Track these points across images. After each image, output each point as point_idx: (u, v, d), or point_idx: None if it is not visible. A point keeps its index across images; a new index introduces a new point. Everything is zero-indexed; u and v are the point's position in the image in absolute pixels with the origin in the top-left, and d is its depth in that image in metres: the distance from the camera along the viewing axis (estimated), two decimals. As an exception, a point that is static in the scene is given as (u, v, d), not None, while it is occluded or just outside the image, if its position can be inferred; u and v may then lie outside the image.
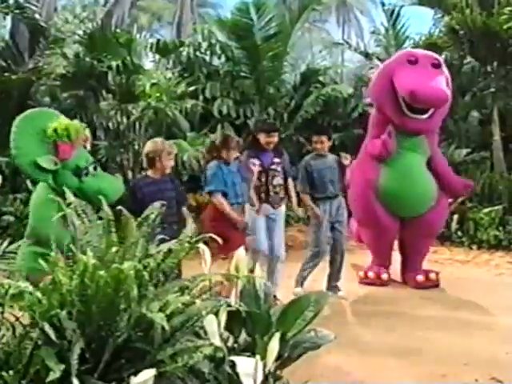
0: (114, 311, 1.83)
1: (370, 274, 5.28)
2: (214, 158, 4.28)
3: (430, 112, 4.75)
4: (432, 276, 5.25)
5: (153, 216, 2.15)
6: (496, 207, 7.37)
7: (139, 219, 2.20)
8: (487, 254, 6.72)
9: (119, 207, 2.20)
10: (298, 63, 10.87)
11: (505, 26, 7.98)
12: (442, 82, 4.64)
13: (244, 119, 8.60)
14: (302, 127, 9.39)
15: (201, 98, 8.37)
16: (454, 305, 4.70)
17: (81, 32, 8.45)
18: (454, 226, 7.26)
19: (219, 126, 8.35)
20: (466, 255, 6.68)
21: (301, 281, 4.89)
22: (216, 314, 2.12)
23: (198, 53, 8.91)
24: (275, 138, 4.64)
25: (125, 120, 7.87)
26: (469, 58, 9.49)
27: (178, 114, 7.73)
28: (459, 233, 7.24)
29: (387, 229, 5.11)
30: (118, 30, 9.05)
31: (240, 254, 2.66)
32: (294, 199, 4.88)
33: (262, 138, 4.61)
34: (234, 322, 2.42)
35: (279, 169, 4.66)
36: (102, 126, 8.03)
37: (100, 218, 2.21)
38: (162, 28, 21.98)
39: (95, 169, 3.69)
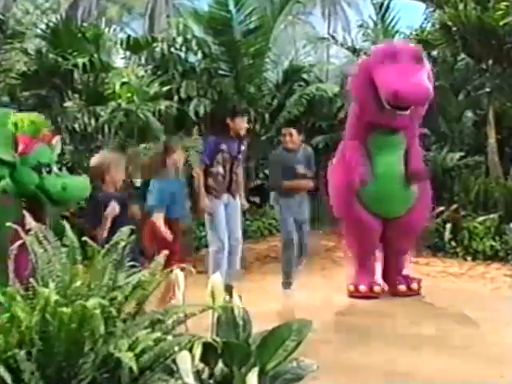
0: (78, 351, 1.81)
1: (362, 288, 5.33)
2: (158, 169, 4.49)
3: (410, 108, 4.87)
4: (414, 286, 5.44)
5: (122, 243, 2.14)
6: (491, 215, 7.47)
7: (107, 246, 2.18)
8: (483, 265, 6.81)
9: (84, 238, 2.18)
10: (280, 60, 10.89)
11: (501, 22, 8.12)
12: (423, 78, 4.73)
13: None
14: (284, 129, 9.43)
15: (175, 98, 8.35)
16: (449, 323, 4.75)
17: (43, 25, 8.37)
18: (447, 235, 7.34)
19: (196, 129, 8.35)
20: (460, 267, 6.75)
21: (286, 281, 5.18)
22: (190, 348, 2.12)
23: (172, 49, 8.85)
24: (245, 124, 4.99)
25: (93, 122, 7.82)
26: (462, 55, 9.65)
27: (151, 115, 7.70)
28: (453, 243, 7.31)
29: (371, 231, 5.28)
30: (84, 24, 8.99)
31: (214, 280, 2.67)
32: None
33: (236, 122, 4.85)
34: (210, 352, 2.42)
35: (241, 157, 5.02)
36: (67, 128, 7.95)
37: (64, 245, 2.19)
38: (134, 21, 21.78)
39: (60, 169, 3.65)
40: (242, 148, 4.99)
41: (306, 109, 9.21)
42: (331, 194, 5.42)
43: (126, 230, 2.24)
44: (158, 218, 4.32)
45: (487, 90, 9.06)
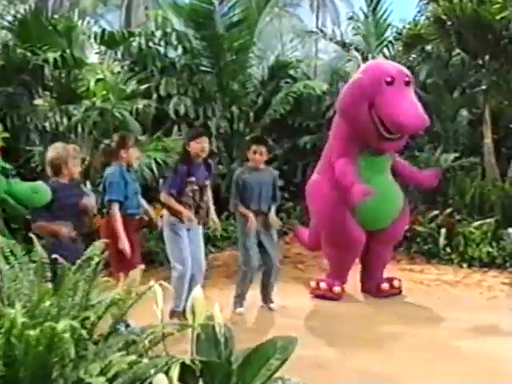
0: (45, 376, 1.79)
1: (322, 285, 5.72)
2: (111, 160, 4.60)
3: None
4: (395, 283, 5.92)
5: (96, 259, 2.13)
6: (488, 220, 7.54)
7: (79, 262, 2.17)
8: (479, 273, 6.86)
9: (54, 255, 2.16)
10: (265, 55, 10.88)
11: (498, 16, 8.19)
12: (419, 106, 5.12)
13: (204, 120, 8.62)
14: (270, 128, 9.48)
15: (154, 96, 8.35)
16: (442, 336, 4.79)
17: (10, 17, 8.30)
18: (441, 241, 7.40)
19: (175, 128, 8.33)
20: (455, 275, 6.81)
21: (238, 300, 5.26)
22: (168, 370, 2.12)
23: (150, 43, 8.84)
24: (206, 145, 4.90)
25: (65, 121, 7.74)
26: (458, 51, 9.73)
27: (128, 115, 7.66)
28: (448, 249, 7.37)
29: (358, 244, 5.64)
30: (55, 15, 8.91)
31: (197, 295, 2.66)
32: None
33: (193, 146, 4.83)
34: (189, 372, 2.42)
35: (208, 183, 5.02)
36: (36, 128, 7.88)
37: (32, 261, 2.17)
38: (109, 13, 21.59)
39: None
40: (206, 173, 5.00)
41: (292, 107, 9.24)
42: (318, 208, 5.69)
43: (99, 244, 2.22)
44: (116, 217, 4.40)
45: (483, 87, 9.14)
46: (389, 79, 5.11)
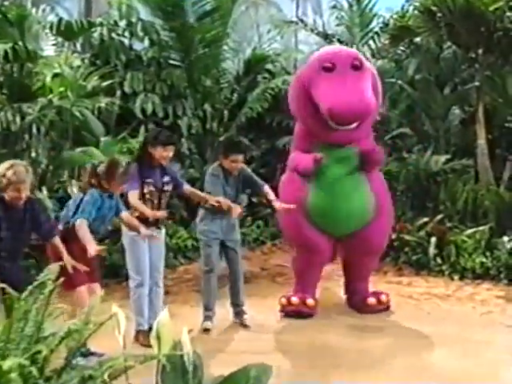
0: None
1: (294, 300, 5.65)
2: (92, 186, 4.60)
3: (355, 123, 5.12)
4: (383, 298, 5.90)
5: (50, 285, 2.10)
6: (481, 227, 7.62)
7: (30, 288, 2.14)
8: (472, 285, 6.93)
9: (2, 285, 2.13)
10: (241, 47, 10.92)
11: (491, 7, 8.31)
12: (363, 91, 4.96)
13: (174, 119, 8.61)
14: (246, 127, 9.52)
15: (118, 93, 8.30)
16: (430, 355, 4.83)
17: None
18: (431, 251, 7.45)
19: (142, 128, 8.28)
20: (446, 288, 6.86)
21: (206, 313, 5.32)
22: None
23: (113, 34, 8.82)
24: (171, 153, 5.00)
25: (18, 121, 7.62)
26: (449, 44, 9.84)
27: (89, 114, 7.60)
28: (438, 259, 7.42)
29: (319, 250, 5.62)
30: (5, 3, 8.81)
31: (163, 318, 2.65)
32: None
33: (158, 151, 4.89)
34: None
35: (170, 188, 5.08)
36: (-16, 129, 7.77)
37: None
38: (67, -1, 21.34)
39: None
40: (166, 179, 5.02)
41: (270, 105, 9.25)
42: (280, 215, 5.78)
43: (54, 267, 2.20)
44: (85, 232, 4.41)
45: (476, 83, 9.25)
46: (327, 65, 5.05)
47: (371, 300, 5.81)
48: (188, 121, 8.66)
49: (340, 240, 5.73)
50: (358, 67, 5.07)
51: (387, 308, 5.92)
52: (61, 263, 2.48)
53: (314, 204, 5.45)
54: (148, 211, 4.86)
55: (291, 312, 5.64)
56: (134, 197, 4.81)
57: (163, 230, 5.21)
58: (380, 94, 5.42)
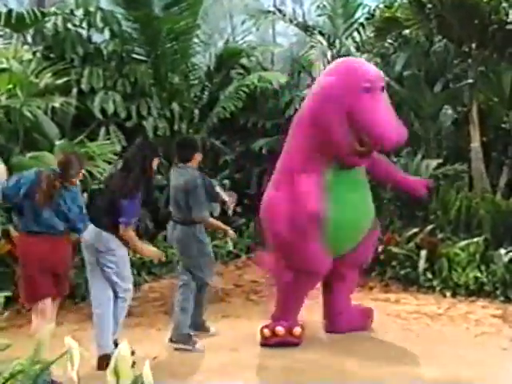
0: None
1: (279, 329, 5.57)
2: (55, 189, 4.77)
3: None
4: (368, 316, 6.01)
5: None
6: (476, 239, 7.65)
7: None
8: (465, 303, 6.95)
9: None
10: (212, 40, 10.93)
11: (486, -2, 8.44)
12: (395, 116, 5.33)
13: (138, 120, 8.57)
14: (218, 129, 9.55)
15: (75, 91, 8.21)
16: None
17: None
18: (421, 264, 7.46)
19: (102, 131, 8.21)
20: (437, 305, 6.88)
21: (185, 335, 5.41)
22: None
23: (69, 25, 8.74)
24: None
25: (-40, 122, 7.52)
26: (440, 37, 9.92)
27: (42, 114, 7.49)
28: (428, 274, 7.43)
29: (322, 271, 5.61)
30: None
31: (121, 351, 2.60)
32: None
33: (155, 163, 5.20)
34: None
35: None
36: None
37: None
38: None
39: None
40: None
41: (245, 104, 9.28)
42: (275, 229, 5.56)
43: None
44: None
45: (470, 80, 9.33)
46: (367, 85, 5.20)
47: (355, 318, 5.98)
48: (154, 122, 8.61)
49: (335, 258, 5.68)
50: (383, 89, 5.34)
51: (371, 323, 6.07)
52: None
53: (334, 223, 5.38)
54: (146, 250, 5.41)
55: (276, 343, 5.55)
56: (129, 232, 5.01)
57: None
58: None
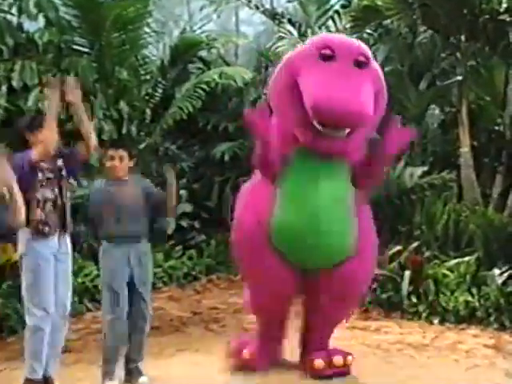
0: None
1: (245, 353, 5.60)
2: None
3: (346, 131, 4.96)
4: (337, 360, 5.55)
5: None
6: (466, 258, 7.71)
7: None
8: (454, 331, 6.96)
9: None
10: (167, 29, 10.89)
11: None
12: (361, 91, 4.88)
13: (79, 122, 8.44)
14: (173, 132, 9.51)
15: (4, 88, 8.12)
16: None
17: None
18: (405, 287, 7.48)
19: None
20: (423, 334, 6.88)
21: (108, 370, 5.30)
22: None
23: (-3, 10, 8.62)
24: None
25: None
26: (424, 28, 10.01)
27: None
28: (413, 298, 7.44)
29: (283, 286, 5.39)
30: None
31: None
32: None
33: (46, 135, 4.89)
34: None
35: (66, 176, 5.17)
36: None
37: None
38: None
39: None
40: (60, 163, 5.07)
41: (205, 103, 9.25)
42: (233, 232, 5.55)
43: None
44: None
45: (459, 77, 9.40)
46: (327, 52, 4.98)
47: (319, 362, 5.53)
48: (98, 124, 8.45)
49: (308, 276, 5.48)
50: (362, 64, 5.01)
51: (345, 373, 5.64)
52: None
53: (286, 226, 5.24)
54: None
55: (238, 366, 5.61)
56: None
57: (69, 241, 5.12)
58: (385, 103, 5.27)
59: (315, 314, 5.63)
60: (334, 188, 5.29)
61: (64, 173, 5.09)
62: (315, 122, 4.90)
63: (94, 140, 5.15)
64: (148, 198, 5.45)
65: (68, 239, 5.08)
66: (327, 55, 4.94)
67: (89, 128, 5.17)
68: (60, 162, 5.05)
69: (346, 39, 5.47)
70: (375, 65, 5.26)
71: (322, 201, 5.22)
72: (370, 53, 5.23)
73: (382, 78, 5.24)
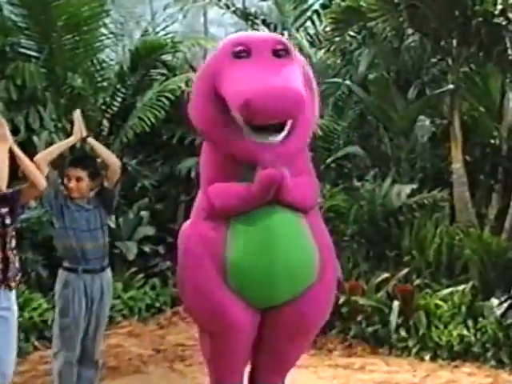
0: None
1: None
2: None
3: (285, 129, 4.91)
4: None
5: None
6: (461, 286, 7.68)
7: None
8: (448, 369, 6.93)
9: None
10: (126, 30, 10.81)
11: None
12: (289, 77, 4.86)
13: (27, 134, 8.44)
14: (133, 145, 9.50)
15: None
16: None
17: None
18: (393, 319, 7.44)
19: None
20: (412, 372, 6.85)
21: None
22: None
23: None
24: None
25: None
26: (412, 31, 10.03)
27: None
28: (402, 332, 7.40)
29: (240, 329, 5.24)
30: None
31: None
32: None
33: None
34: None
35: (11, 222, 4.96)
36: None
37: None
38: None
39: None
40: (3, 210, 4.88)
41: (169, 114, 9.23)
42: (179, 269, 5.39)
43: None
44: None
45: (451, 86, 9.42)
46: (239, 49, 4.93)
47: None
48: (48, 136, 8.43)
49: (265, 313, 5.31)
50: (281, 54, 4.96)
51: None
52: None
53: (238, 261, 5.07)
54: None
55: None
56: None
57: (14, 296, 4.97)
58: (315, 92, 5.21)
59: (266, 355, 5.47)
60: (285, 211, 5.15)
61: (8, 221, 4.88)
62: (246, 130, 4.83)
63: (116, 162, 5.43)
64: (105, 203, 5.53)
65: (12, 294, 4.89)
66: (241, 52, 4.92)
67: (108, 154, 5.47)
68: (3, 209, 4.87)
69: (260, 34, 5.68)
70: (299, 56, 5.24)
71: (277, 229, 5.13)
72: (290, 44, 5.17)
73: (308, 68, 5.23)
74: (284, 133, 4.88)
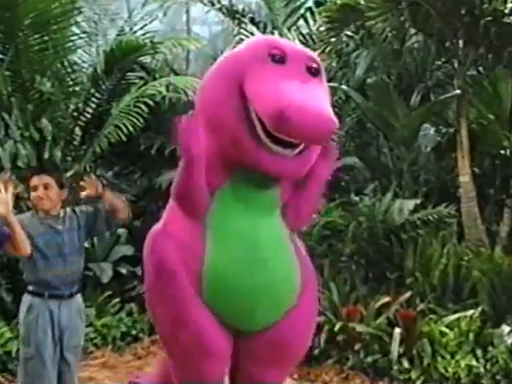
0: None
1: None
2: None
3: (301, 145, 4.86)
4: None
5: None
6: (469, 312, 7.66)
7: None
8: (456, 403, 6.96)
9: None
10: (100, 29, 10.81)
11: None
12: (325, 100, 4.85)
13: (-10, 145, 8.43)
14: (108, 156, 9.51)
15: None
16: None
17: None
18: (395, 348, 7.42)
19: None
20: (416, 406, 6.90)
21: None
22: None
23: None
24: None
25: None
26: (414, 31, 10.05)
27: None
28: (405, 362, 7.40)
29: (216, 353, 5.15)
30: None
31: None
32: None
33: None
34: None
35: None
36: None
37: None
38: None
39: None
40: None
41: (148, 122, 9.23)
42: (147, 282, 5.18)
43: None
44: None
45: (457, 91, 9.43)
46: (277, 53, 4.92)
47: None
48: (13, 147, 8.40)
49: (240, 337, 5.24)
50: (314, 72, 4.97)
51: None
52: None
53: (217, 274, 4.98)
54: None
55: None
56: None
57: None
58: None
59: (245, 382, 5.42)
60: (271, 224, 5.19)
61: None
62: (263, 137, 4.77)
63: (126, 207, 5.62)
64: (88, 223, 5.47)
65: None
66: (278, 56, 4.90)
67: (124, 206, 5.58)
68: None
69: (296, 45, 5.67)
70: (325, 77, 5.24)
71: (267, 240, 5.11)
72: (321, 63, 5.17)
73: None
74: (300, 148, 4.84)
